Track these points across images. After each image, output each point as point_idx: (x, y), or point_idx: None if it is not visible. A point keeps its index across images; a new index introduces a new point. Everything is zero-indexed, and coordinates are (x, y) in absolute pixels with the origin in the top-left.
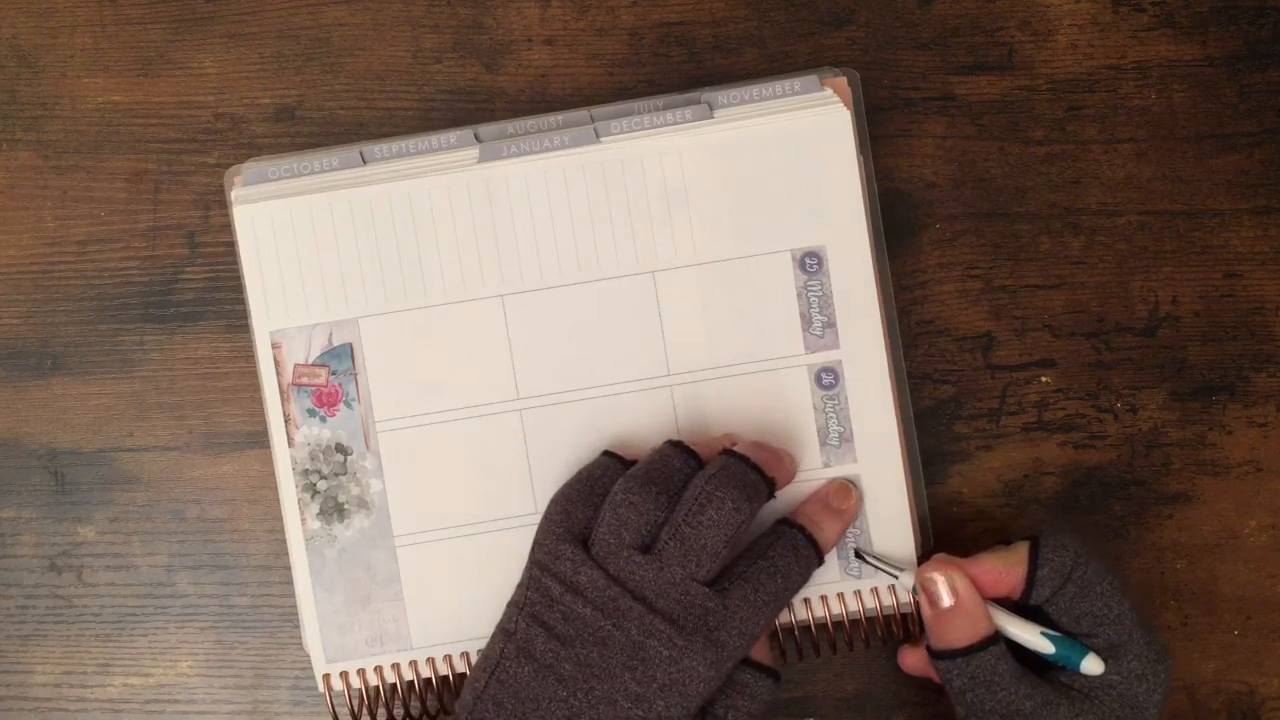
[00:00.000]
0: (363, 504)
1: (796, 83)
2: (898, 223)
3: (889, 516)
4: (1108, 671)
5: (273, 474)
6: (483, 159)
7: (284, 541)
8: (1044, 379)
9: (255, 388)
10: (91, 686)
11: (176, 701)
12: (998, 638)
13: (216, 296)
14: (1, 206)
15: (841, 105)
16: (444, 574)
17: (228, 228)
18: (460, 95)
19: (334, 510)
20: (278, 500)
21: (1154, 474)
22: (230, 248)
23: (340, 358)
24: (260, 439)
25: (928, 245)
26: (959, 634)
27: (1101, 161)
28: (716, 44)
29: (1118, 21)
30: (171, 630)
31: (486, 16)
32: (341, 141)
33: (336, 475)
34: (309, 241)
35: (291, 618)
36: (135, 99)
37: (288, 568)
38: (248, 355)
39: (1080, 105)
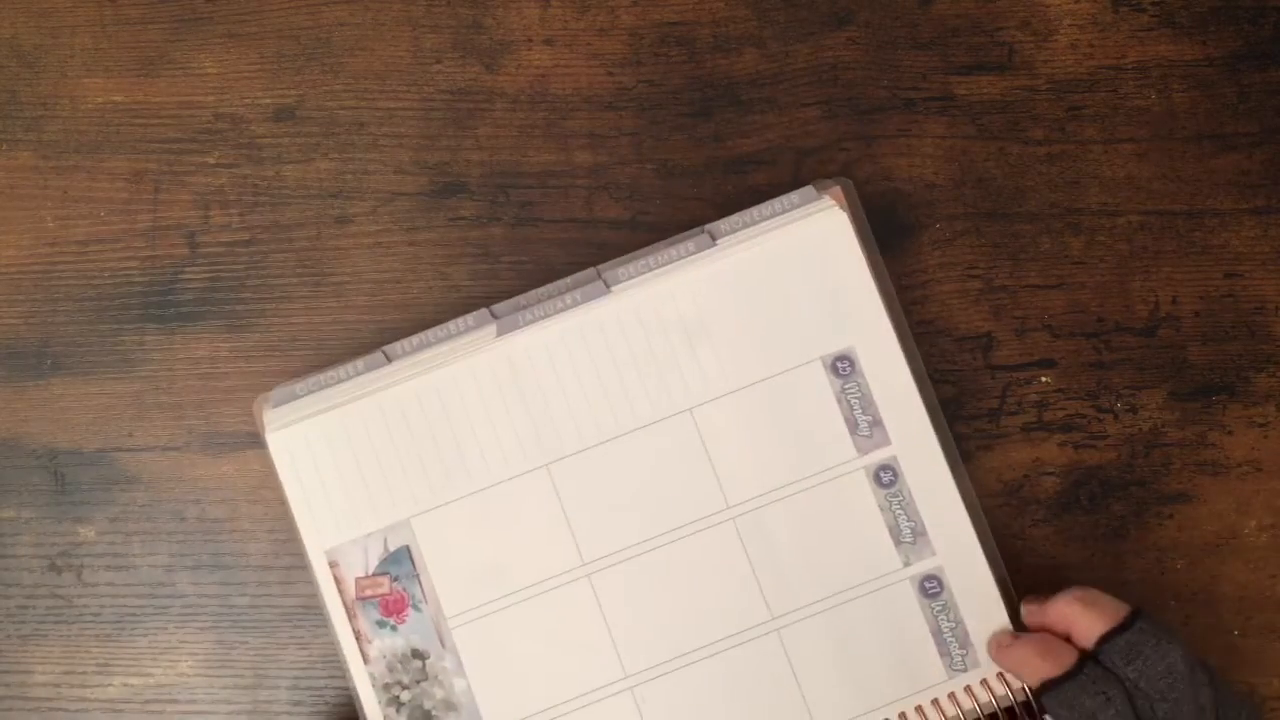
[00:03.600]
0: (450, 706)
1: (794, 196)
2: (898, 223)
3: (978, 599)
4: None
5: (272, 474)
6: (501, 333)
7: (284, 541)
8: (1044, 379)
9: (255, 388)
10: (91, 686)
11: (176, 701)
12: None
13: (216, 296)
14: (1, 206)
15: (837, 208)
16: None
17: (228, 227)
18: (460, 95)
19: (422, 719)
20: (278, 500)
21: (1154, 474)
22: (231, 247)
23: (399, 562)
24: (260, 438)
25: (928, 245)
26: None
27: (1101, 161)
28: (716, 44)
29: (1118, 21)
30: (171, 630)
31: (486, 16)
32: (341, 140)
33: (418, 682)
34: (347, 453)
35: (291, 617)
36: (135, 99)
37: (288, 568)
38: (248, 355)
39: (1080, 105)
